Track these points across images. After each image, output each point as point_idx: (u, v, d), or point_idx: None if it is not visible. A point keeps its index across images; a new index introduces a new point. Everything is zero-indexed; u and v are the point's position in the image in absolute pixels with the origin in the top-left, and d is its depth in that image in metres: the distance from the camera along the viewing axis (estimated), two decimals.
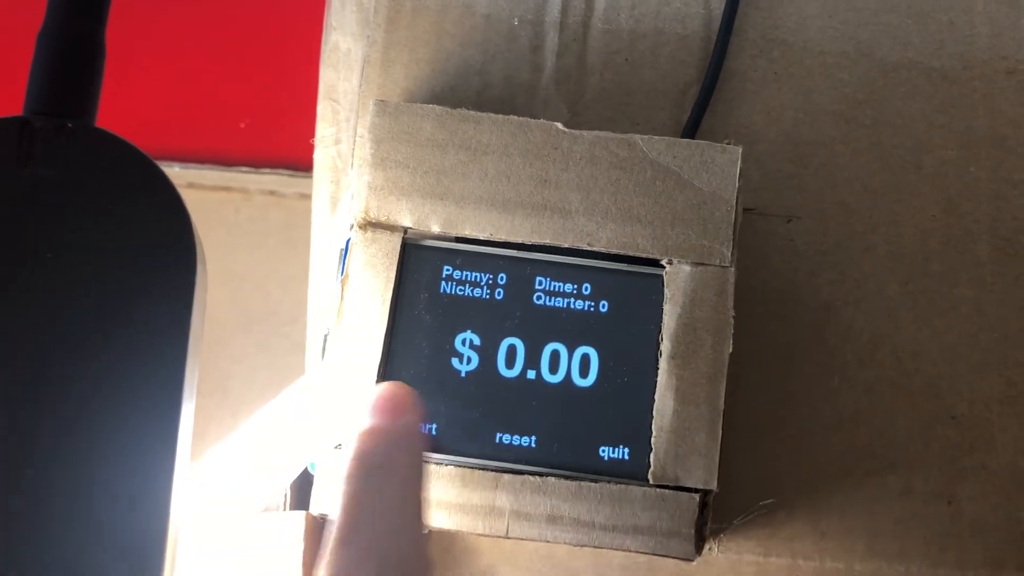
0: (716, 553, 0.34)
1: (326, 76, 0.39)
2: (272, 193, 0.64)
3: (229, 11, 0.60)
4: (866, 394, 0.35)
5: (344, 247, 0.33)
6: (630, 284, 0.32)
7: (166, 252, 0.28)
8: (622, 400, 0.31)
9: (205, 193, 0.59)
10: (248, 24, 0.60)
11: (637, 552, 0.31)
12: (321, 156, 0.39)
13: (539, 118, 0.33)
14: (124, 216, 0.27)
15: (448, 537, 0.35)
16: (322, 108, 0.39)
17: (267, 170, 0.74)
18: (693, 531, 0.30)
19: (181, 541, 0.29)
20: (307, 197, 0.44)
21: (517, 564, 0.35)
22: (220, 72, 0.60)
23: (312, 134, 0.40)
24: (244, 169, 0.73)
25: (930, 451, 0.34)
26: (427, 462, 0.30)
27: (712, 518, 0.33)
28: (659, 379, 0.31)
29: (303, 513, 0.32)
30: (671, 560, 0.34)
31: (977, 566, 0.33)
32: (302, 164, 0.59)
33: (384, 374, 0.31)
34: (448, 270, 0.32)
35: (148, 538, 0.28)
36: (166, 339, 0.28)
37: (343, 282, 0.32)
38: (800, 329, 0.35)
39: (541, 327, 0.32)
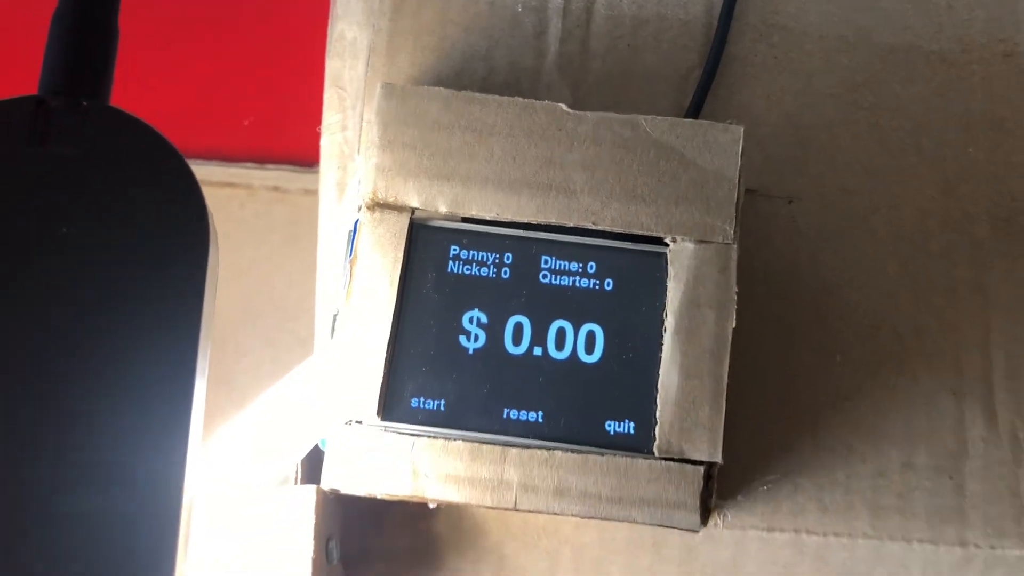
0: (721, 528, 0.34)
1: (332, 65, 0.40)
2: (276, 189, 0.64)
3: (232, 11, 0.60)
4: (867, 371, 0.35)
5: (352, 229, 0.33)
6: (634, 262, 0.32)
7: (180, 229, 0.29)
8: (627, 375, 0.32)
9: (209, 189, 0.59)
10: (251, 23, 0.60)
11: (643, 524, 0.31)
12: (328, 143, 0.39)
13: None
14: (139, 193, 0.28)
15: (456, 514, 0.35)
16: (328, 96, 0.40)
17: (271, 166, 0.74)
18: (698, 503, 0.31)
19: (195, 516, 0.30)
20: (311, 193, 0.44)
21: (525, 541, 0.35)
22: (223, 70, 0.61)
23: (316, 130, 0.40)
24: (248, 165, 0.74)
25: (932, 426, 0.34)
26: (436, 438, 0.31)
27: (717, 493, 0.33)
28: (663, 354, 0.31)
29: (314, 487, 0.32)
30: (676, 535, 0.35)
31: (978, 539, 0.33)
32: (306, 160, 0.59)
33: (392, 352, 0.32)
34: (455, 250, 0.33)
35: (163, 513, 0.28)
36: (180, 315, 0.28)
37: (352, 262, 0.32)
38: (801, 309, 0.36)
39: (547, 305, 0.32)
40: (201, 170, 0.62)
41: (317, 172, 0.40)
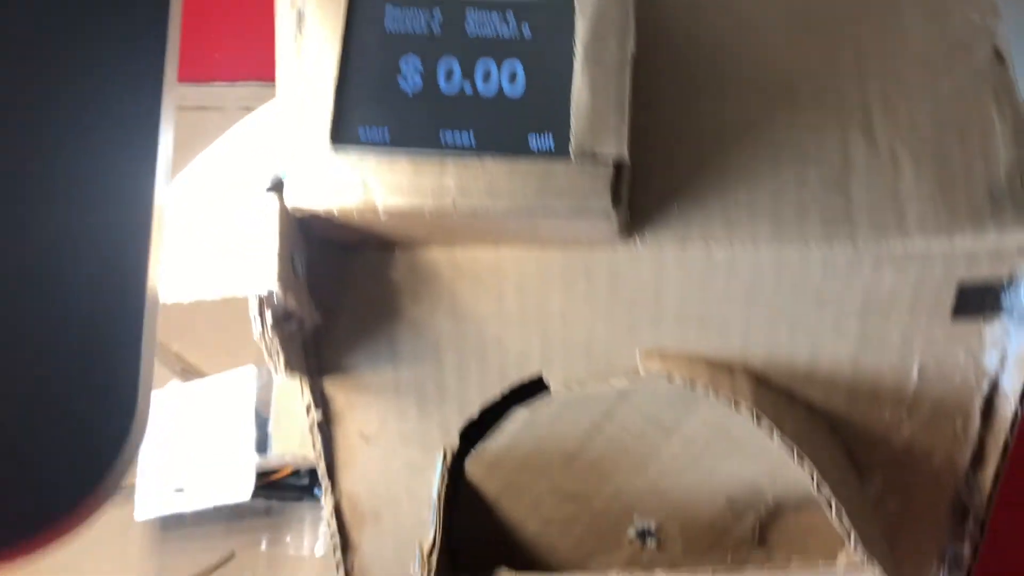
0: (640, 249, 0.39)
1: None
2: (248, 109, 0.69)
3: None
4: (761, 107, 0.40)
5: (300, 5, 0.38)
6: (547, 9, 0.37)
7: None
8: (546, 99, 0.36)
9: (184, 113, 0.64)
10: None
11: (564, 217, 0.36)
12: None
13: None
14: None
15: (411, 259, 0.40)
16: None
17: (241, 83, 0.80)
18: (609, 190, 0.35)
19: (167, 223, 0.34)
20: None
21: (475, 278, 0.40)
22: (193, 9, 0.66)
23: None
24: (220, 84, 0.79)
25: (820, 148, 0.39)
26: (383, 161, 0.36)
27: (633, 215, 0.38)
28: (575, 78, 0.36)
29: (277, 199, 0.36)
30: (605, 263, 0.39)
31: (866, 236, 0.38)
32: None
33: (340, 93, 0.36)
34: (391, 9, 0.37)
35: (135, 222, 0.33)
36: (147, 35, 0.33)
37: (301, 24, 0.37)
38: (699, 65, 0.41)
39: (474, 51, 0.37)
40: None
41: None
